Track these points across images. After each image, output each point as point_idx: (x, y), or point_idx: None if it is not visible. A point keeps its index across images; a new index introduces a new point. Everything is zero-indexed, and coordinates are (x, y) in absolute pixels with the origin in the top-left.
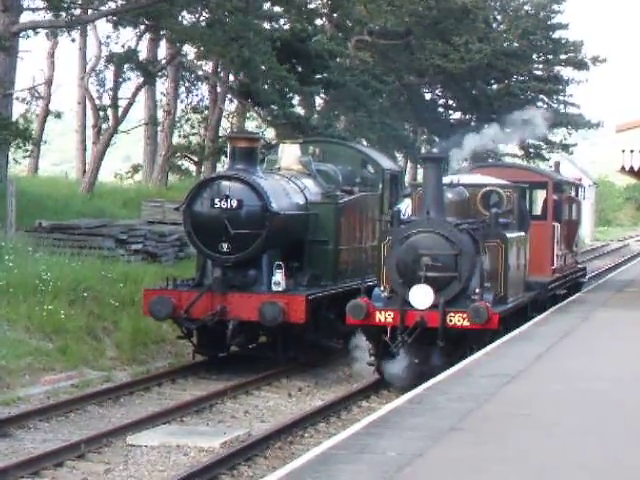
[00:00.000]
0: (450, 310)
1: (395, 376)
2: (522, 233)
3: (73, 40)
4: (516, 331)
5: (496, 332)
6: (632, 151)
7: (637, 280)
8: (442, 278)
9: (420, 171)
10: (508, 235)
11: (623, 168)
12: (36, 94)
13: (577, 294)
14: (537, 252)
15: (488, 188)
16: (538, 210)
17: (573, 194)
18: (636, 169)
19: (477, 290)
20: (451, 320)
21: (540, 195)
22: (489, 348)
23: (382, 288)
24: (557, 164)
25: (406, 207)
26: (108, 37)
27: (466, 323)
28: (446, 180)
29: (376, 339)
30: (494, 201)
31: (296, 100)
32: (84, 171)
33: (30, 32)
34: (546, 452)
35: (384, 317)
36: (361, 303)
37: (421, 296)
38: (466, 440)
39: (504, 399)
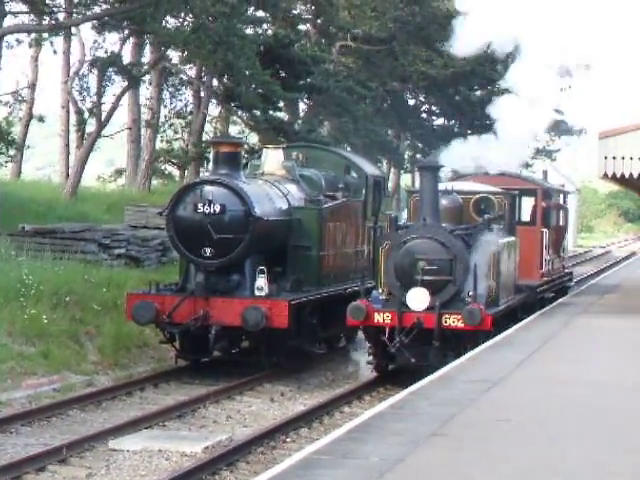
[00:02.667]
0: (445, 312)
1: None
2: (512, 238)
3: (55, 52)
4: (498, 337)
5: (489, 333)
6: (614, 158)
7: (620, 285)
8: (438, 281)
9: (404, 177)
10: (500, 240)
11: (606, 175)
12: (19, 98)
13: (563, 298)
14: (526, 257)
15: (480, 195)
16: (528, 216)
17: (561, 201)
18: (618, 176)
19: (471, 293)
20: (446, 321)
21: (530, 202)
22: (472, 354)
23: (380, 291)
24: (545, 172)
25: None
26: (95, 42)
27: (460, 324)
28: (441, 187)
29: (375, 339)
30: (486, 207)
31: (280, 105)
32: (67, 175)
33: (14, 42)
34: (528, 458)
35: (382, 318)
36: (361, 305)
37: (418, 298)
38: (448, 446)
39: (486, 405)
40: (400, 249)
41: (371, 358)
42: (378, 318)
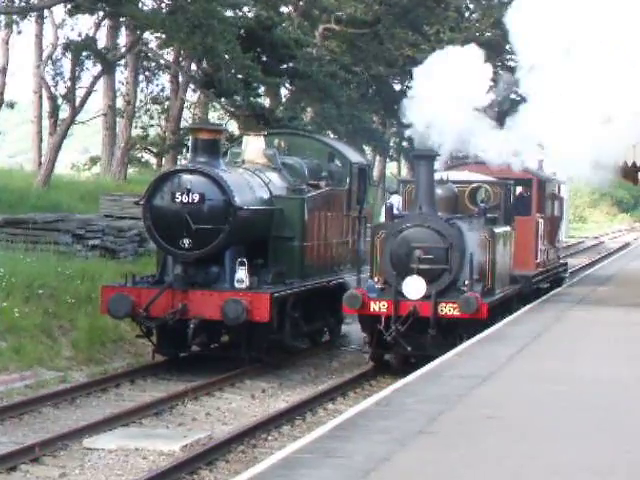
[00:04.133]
0: (441, 300)
1: None
2: (508, 228)
3: (20, 32)
4: (488, 330)
5: (485, 322)
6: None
7: (614, 277)
8: (434, 270)
9: (390, 165)
10: (495, 230)
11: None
12: None
13: (557, 289)
14: (521, 247)
15: (476, 184)
16: (523, 206)
17: (556, 191)
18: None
19: (467, 282)
20: (442, 310)
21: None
22: (460, 348)
23: (376, 280)
24: (541, 162)
25: (398, 202)
26: (63, 20)
27: (456, 313)
28: (436, 177)
29: (371, 328)
30: (481, 197)
31: (261, 91)
32: (40, 163)
33: None
34: (518, 456)
35: (378, 307)
36: (357, 294)
37: (414, 287)
38: (435, 444)
39: (475, 401)
40: (396, 238)
41: (367, 347)
42: (374, 307)
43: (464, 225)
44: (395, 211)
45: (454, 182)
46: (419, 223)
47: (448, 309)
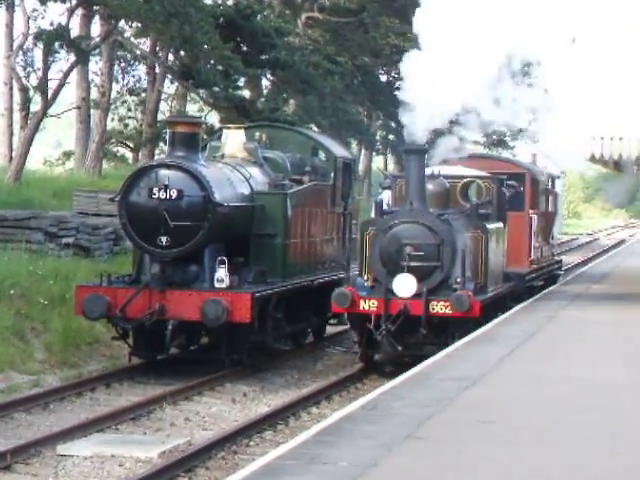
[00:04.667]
0: (433, 298)
1: None
2: (501, 224)
3: None
4: (478, 331)
5: (478, 320)
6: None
7: (609, 275)
8: (425, 267)
9: (376, 159)
10: (488, 226)
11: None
12: None
13: (551, 287)
14: (514, 243)
15: (468, 179)
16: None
17: (550, 186)
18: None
19: (458, 279)
20: (434, 308)
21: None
22: (449, 349)
23: (365, 277)
24: (534, 156)
25: (388, 198)
26: (35, 11)
27: (448, 311)
28: (427, 171)
29: (360, 328)
30: (473, 192)
31: (241, 82)
32: (11, 158)
33: None
34: (510, 461)
35: (368, 305)
36: (346, 292)
37: (404, 285)
38: (424, 449)
39: (465, 404)
40: (386, 234)
41: (356, 347)
42: (364, 305)
43: (456, 221)
44: (385, 207)
45: (445, 177)
46: (410, 219)
47: (439, 307)
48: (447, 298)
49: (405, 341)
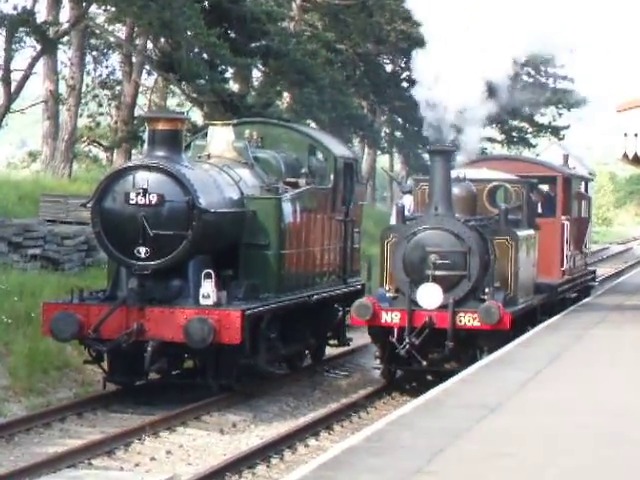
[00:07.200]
0: (460, 310)
1: None
2: (532, 231)
3: None
4: (496, 353)
5: (508, 334)
6: (636, 135)
7: None
8: (451, 277)
9: (381, 158)
10: (518, 233)
11: (626, 156)
12: None
13: (585, 299)
14: (546, 252)
15: (495, 183)
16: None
17: (582, 189)
18: None
19: (487, 290)
20: (461, 320)
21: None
22: (464, 374)
23: (387, 288)
24: (566, 157)
25: (409, 204)
26: None
27: (477, 323)
28: (452, 174)
29: (382, 341)
30: (502, 197)
31: (229, 73)
32: None
33: None
34: None
35: (390, 318)
36: (367, 303)
37: (429, 296)
38: None
39: (482, 435)
40: (409, 242)
41: (377, 362)
42: (386, 318)
43: (484, 228)
44: (406, 212)
45: (471, 180)
46: (434, 225)
47: (467, 319)
48: (475, 309)
49: (429, 356)
